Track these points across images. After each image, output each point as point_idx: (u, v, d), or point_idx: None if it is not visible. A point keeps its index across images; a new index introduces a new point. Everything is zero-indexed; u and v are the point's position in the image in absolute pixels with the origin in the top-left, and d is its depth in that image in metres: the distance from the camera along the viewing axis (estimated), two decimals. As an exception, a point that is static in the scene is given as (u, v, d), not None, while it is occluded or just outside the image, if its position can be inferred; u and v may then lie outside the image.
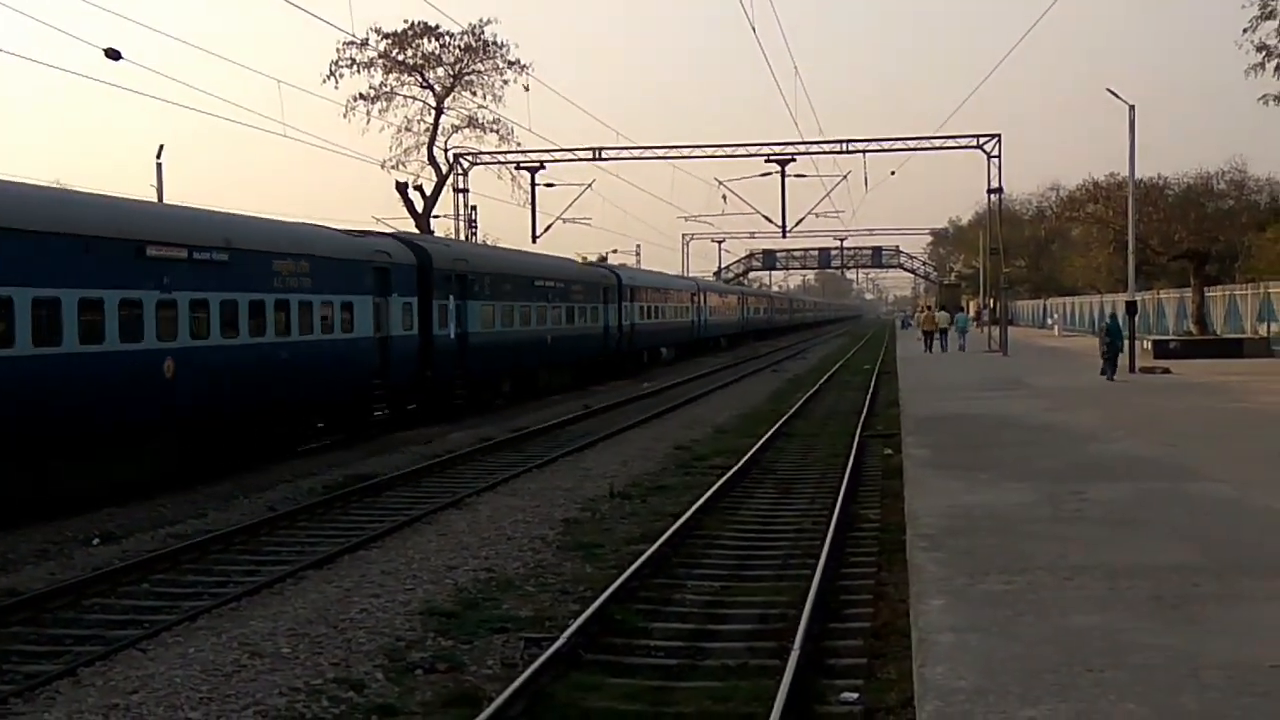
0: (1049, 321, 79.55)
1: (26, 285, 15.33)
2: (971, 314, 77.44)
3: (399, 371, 26.08)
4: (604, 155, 49.70)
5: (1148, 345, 40.70)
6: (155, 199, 34.94)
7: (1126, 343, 34.21)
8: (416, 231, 50.85)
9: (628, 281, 49.05)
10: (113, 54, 24.92)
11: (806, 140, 50.37)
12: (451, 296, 28.49)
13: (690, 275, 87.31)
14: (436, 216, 54.35)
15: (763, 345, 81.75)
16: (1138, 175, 37.24)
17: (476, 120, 55.75)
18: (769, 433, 24.48)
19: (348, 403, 24.50)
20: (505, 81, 55.02)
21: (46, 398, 15.77)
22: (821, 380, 41.85)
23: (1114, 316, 34.78)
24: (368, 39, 52.81)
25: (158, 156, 40.01)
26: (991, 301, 59.95)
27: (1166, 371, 32.55)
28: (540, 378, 36.35)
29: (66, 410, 16.20)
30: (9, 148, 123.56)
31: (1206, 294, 48.87)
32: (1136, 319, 36.25)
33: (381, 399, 25.69)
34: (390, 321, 25.66)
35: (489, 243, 56.25)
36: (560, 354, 37.98)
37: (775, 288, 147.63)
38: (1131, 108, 33.46)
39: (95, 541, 14.78)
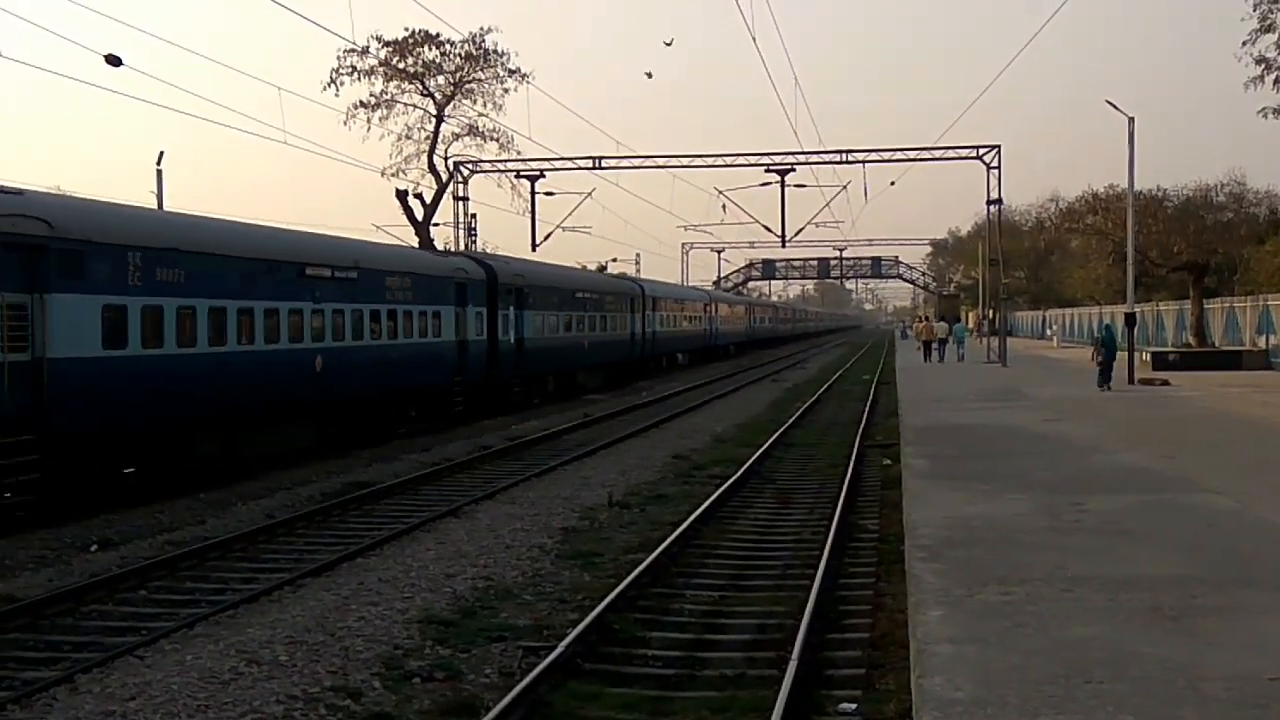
0: (1048, 333, 79.56)
1: (234, 299, 20.27)
2: (970, 325, 77.87)
3: (474, 370, 31.12)
4: (604, 164, 49.72)
5: (1146, 357, 40.71)
6: (155, 205, 34.96)
7: (1125, 354, 34.27)
8: (417, 240, 50.95)
9: (650, 293, 53.27)
10: (113, 60, 24.91)
11: (806, 150, 50.37)
12: (512, 307, 33.62)
13: (701, 287, 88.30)
14: (436, 224, 54.36)
15: (765, 354, 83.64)
16: (1137, 187, 37.29)
17: (477, 128, 55.77)
18: (768, 442, 24.47)
19: (435, 395, 29.30)
20: (506, 90, 55.09)
21: (243, 384, 20.51)
22: (821, 390, 41.87)
23: (1109, 327, 34.96)
24: (369, 47, 52.80)
25: (158, 163, 40.14)
26: (991, 312, 59.99)
27: (1165, 383, 32.56)
28: (579, 378, 41.83)
29: (253, 393, 20.97)
30: (8, 153, 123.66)
31: (1205, 306, 48.86)
32: (1135, 331, 36.26)
33: (459, 393, 30.22)
34: (467, 328, 30.53)
35: (489, 250, 56.30)
36: (594, 357, 43.19)
37: (775, 297, 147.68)
38: (1131, 120, 33.51)
39: (93, 548, 14.77)
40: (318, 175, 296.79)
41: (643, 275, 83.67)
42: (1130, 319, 35.67)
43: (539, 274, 38.20)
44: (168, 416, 18.78)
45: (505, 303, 33.13)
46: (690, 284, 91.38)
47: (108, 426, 17.39)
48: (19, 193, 16.58)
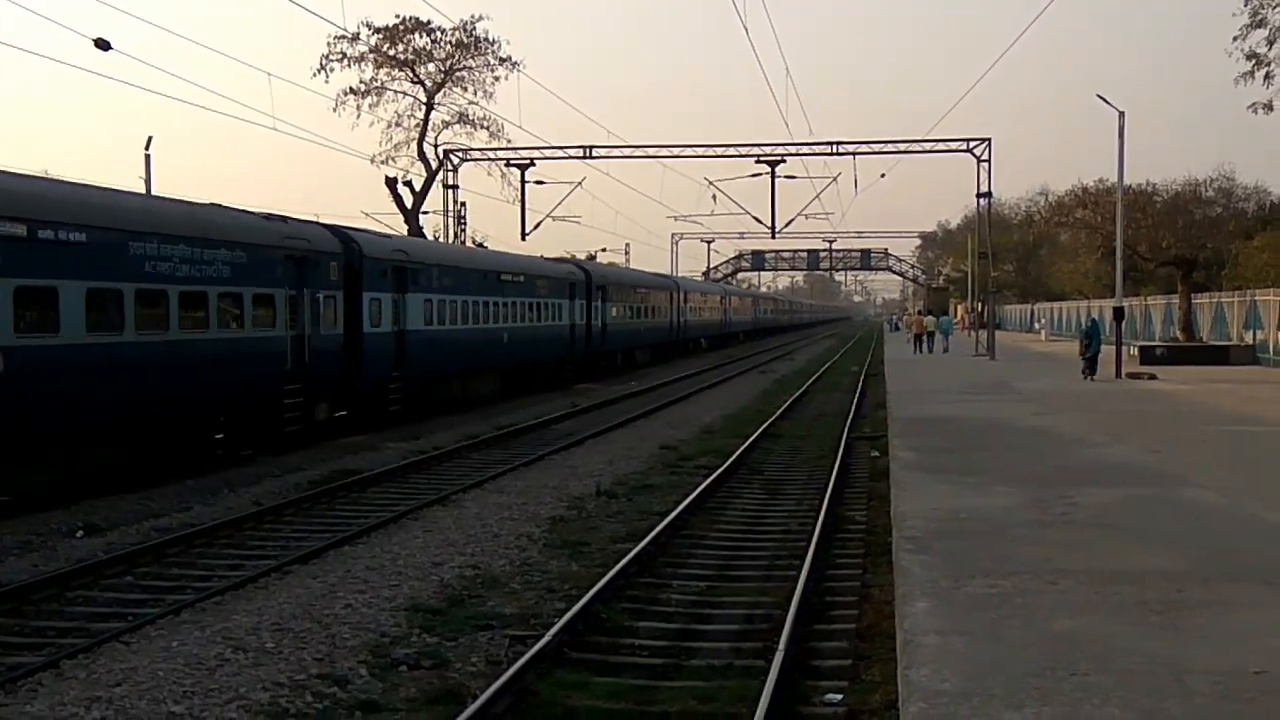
0: (1036, 326, 79.68)
1: (473, 295, 31.79)
2: (957, 317, 78.30)
3: (579, 346, 42.49)
4: (594, 153, 49.68)
5: (1134, 351, 40.82)
6: (144, 190, 34.84)
7: (1114, 349, 34.36)
8: (406, 228, 50.86)
9: (598, 279, 46.62)
10: (102, 44, 24.79)
11: (797, 141, 50.75)
12: (600, 300, 44.93)
13: (678, 275, 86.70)
14: (425, 212, 54.33)
15: (748, 348, 79.51)
16: (1127, 182, 37.35)
17: (467, 116, 55.70)
18: (756, 433, 24.49)
19: (559, 364, 40.38)
20: (496, 78, 54.99)
21: (473, 350, 31.82)
22: (809, 382, 41.91)
23: (1094, 321, 35.12)
24: (359, 33, 52.70)
25: (146, 148, 39.96)
26: (979, 305, 60.12)
27: (1153, 378, 32.64)
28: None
29: (476, 356, 32.24)
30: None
31: (1193, 301, 49.00)
32: (1123, 325, 36.35)
33: (571, 363, 41.62)
34: (575, 315, 41.79)
35: (480, 239, 56.28)
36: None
37: (764, 288, 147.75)
38: (1121, 114, 33.57)
39: (79, 534, 14.72)
40: (308, 161, 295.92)
41: (633, 265, 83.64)
42: (1118, 313, 35.77)
43: (612, 275, 51.35)
44: (442, 369, 30.04)
45: (595, 296, 44.57)
46: (681, 274, 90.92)
47: (427, 371, 28.83)
48: (389, 236, 31.43)
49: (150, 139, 40.25)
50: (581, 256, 67.27)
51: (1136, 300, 56.37)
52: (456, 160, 52.14)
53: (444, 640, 10.06)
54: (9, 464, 15.94)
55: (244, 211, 22.53)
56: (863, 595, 11.40)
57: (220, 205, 21.94)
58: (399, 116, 55.47)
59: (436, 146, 54.87)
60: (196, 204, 21.30)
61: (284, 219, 23.38)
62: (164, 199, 22.01)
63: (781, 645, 9.23)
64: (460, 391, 31.65)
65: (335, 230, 25.53)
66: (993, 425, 20.98)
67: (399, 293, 27.11)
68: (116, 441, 18.09)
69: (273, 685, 8.77)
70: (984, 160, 46.91)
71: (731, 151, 50.33)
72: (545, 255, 47.60)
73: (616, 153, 50.43)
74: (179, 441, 19.82)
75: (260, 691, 8.63)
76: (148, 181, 39.05)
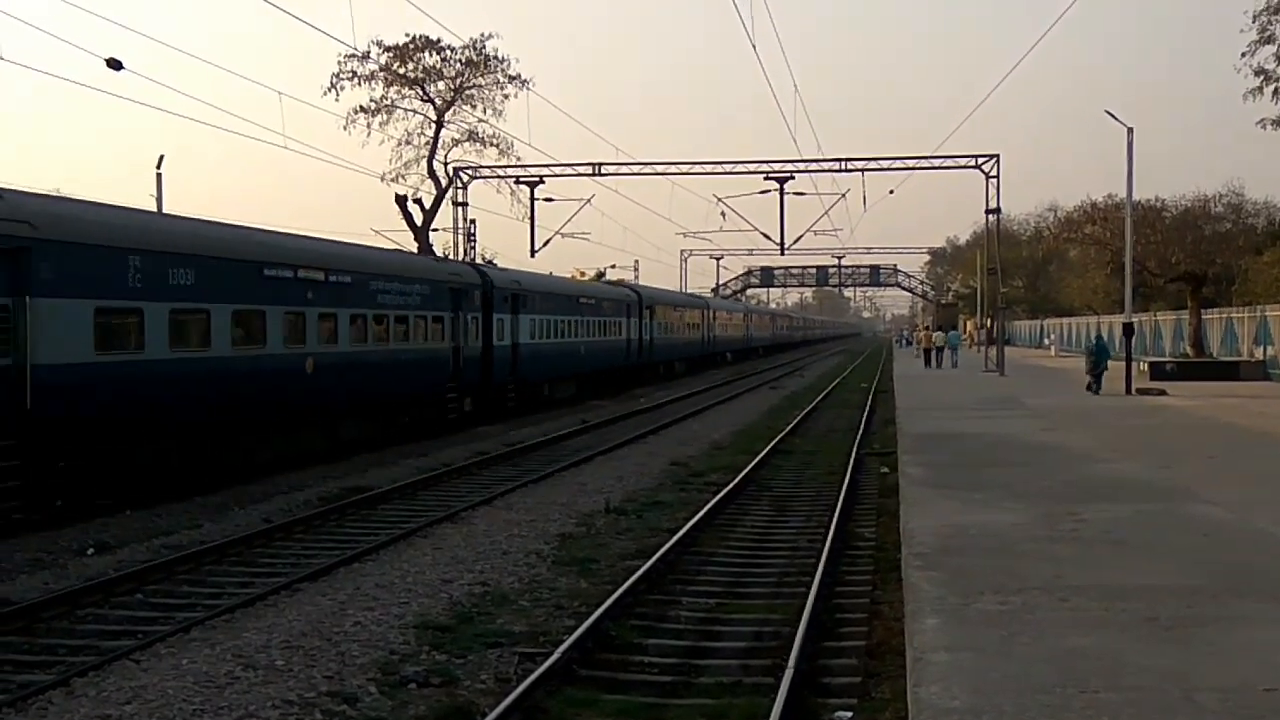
0: (1045, 342, 79.54)
1: (558, 315, 38.84)
2: (966, 332, 78.67)
3: (633, 357, 49.31)
4: (603, 170, 49.77)
5: (1144, 367, 40.73)
6: (155, 209, 34.97)
7: (1123, 364, 34.30)
8: (416, 246, 50.98)
9: (647, 299, 54.59)
10: (114, 64, 24.93)
11: (805, 158, 50.47)
12: (646, 318, 51.54)
13: (697, 293, 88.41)
14: (435, 230, 54.40)
15: (763, 362, 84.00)
16: (1136, 197, 37.33)
17: (477, 134, 55.78)
18: (766, 449, 24.49)
19: (619, 371, 47.29)
20: (506, 96, 55.13)
21: (560, 359, 39.04)
22: (819, 398, 41.90)
23: (1099, 338, 35.34)
24: (369, 52, 52.84)
25: (158, 166, 40.11)
26: (989, 321, 60.13)
27: (1162, 393, 32.57)
28: (677, 367, 62.20)
29: (564, 364, 39.76)
30: (9, 156, 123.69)
31: (1203, 316, 48.92)
32: (1133, 341, 36.29)
33: (631, 372, 48.66)
34: (632, 331, 49.09)
35: (489, 257, 56.42)
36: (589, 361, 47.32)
37: (773, 305, 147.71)
38: (1130, 130, 33.56)
39: (90, 551, 14.76)
40: (318, 180, 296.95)
41: (641, 281, 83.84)
42: (1128, 329, 35.70)
43: (657, 295, 58.52)
44: (541, 374, 36.92)
45: (645, 314, 51.73)
46: (689, 290, 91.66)
47: (531, 376, 35.87)
48: (499, 272, 36.95)
49: (162, 158, 40.42)
50: (590, 273, 67.37)
51: (1146, 316, 56.27)
52: (466, 178, 52.24)
53: (453, 657, 10.07)
54: (326, 429, 24.10)
55: (418, 254, 37.22)
56: (872, 612, 11.38)
57: (402, 250, 35.09)
58: (409, 134, 55.64)
59: (446, 164, 55.00)
60: (399, 251, 34.89)
61: (445, 259, 38.23)
62: (380, 250, 31.36)
63: (791, 662, 9.22)
64: (549, 393, 39.06)
65: (475, 266, 36.15)
66: (1002, 441, 20.95)
67: (514, 314, 34.71)
68: (357, 417, 25.47)
69: (282, 703, 8.78)
70: (993, 177, 46.89)
71: (740, 168, 50.34)
72: (553, 272, 48.77)
73: (625, 170, 50.53)
74: (387, 421, 26.72)
75: (270, 709, 8.64)
76: (159, 200, 39.20)
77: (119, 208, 19.64)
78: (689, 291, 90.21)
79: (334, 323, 23.77)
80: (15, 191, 16.64)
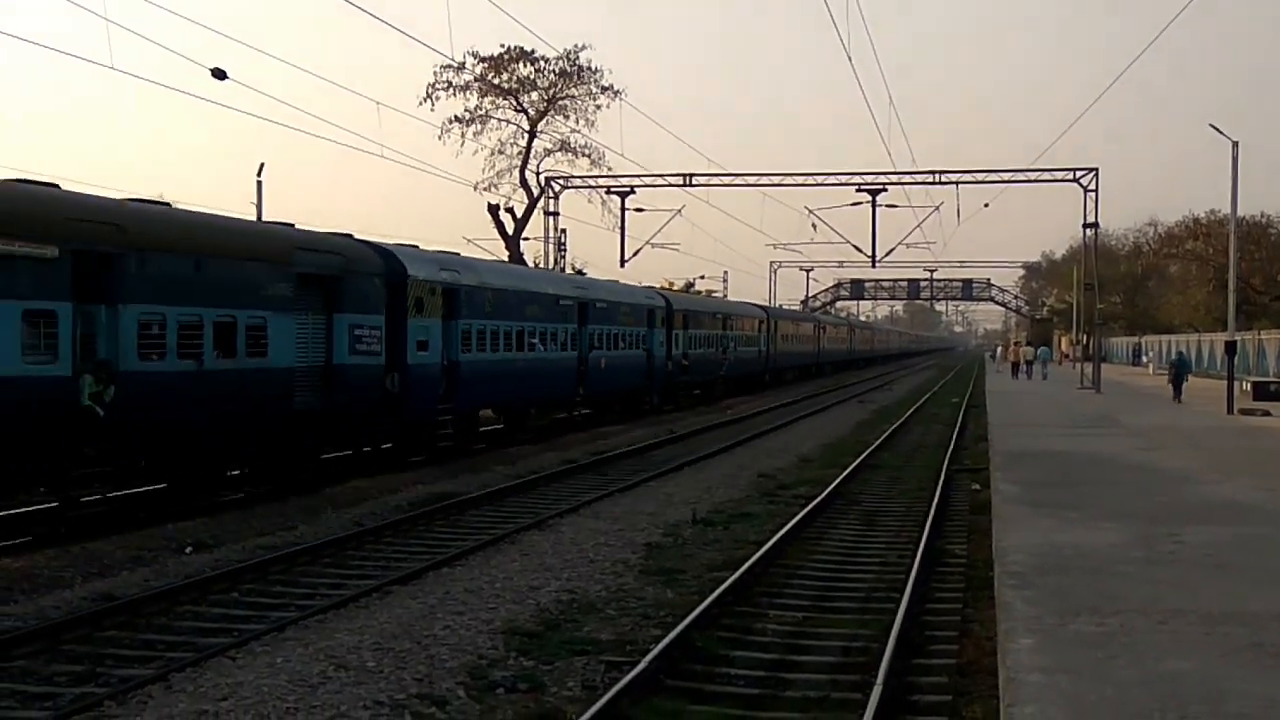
0: (1144, 359, 77.85)
1: (624, 326, 38.41)
2: (1061, 348, 78.09)
3: (660, 375, 42.96)
4: (694, 181, 49.84)
5: (1247, 387, 39.66)
6: (255, 216, 35.70)
7: (1225, 384, 33.47)
8: (507, 254, 51.47)
9: (678, 307, 45.45)
10: (219, 73, 25.54)
11: (899, 170, 50.10)
12: (655, 329, 42.34)
13: (770, 304, 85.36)
14: (526, 239, 54.95)
15: (843, 378, 76.83)
16: (1240, 213, 36.42)
17: (569, 144, 56.31)
18: (854, 463, 24.29)
19: (642, 389, 42.03)
20: (598, 106, 55.52)
21: (649, 373, 41.27)
22: (908, 413, 41.46)
23: (1180, 354, 35.26)
24: (464, 63, 53.55)
25: (258, 174, 40.86)
26: (1085, 337, 59.15)
27: (1266, 414, 31.68)
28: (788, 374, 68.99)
29: (638, 376, 40.55)
30: (117, 163, 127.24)
31: (1309, 335, 47.54)
32: (1235, 359, 35.38)
33: (651, 389, 43.57)
34: (655, 344, 42.19)
35: (580, 268, 56.73)
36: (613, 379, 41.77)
37: (863, 318, 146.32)
38: (1235, 144, 32.74)
39: (188, 549, 15.10)
40: (413, 188, 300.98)
41: (729, 294, 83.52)
42: (1230, 347, 34.79)
43: (688, 300, 54.28)
44: (704, 376, 46.63)
45: (663, 327, 43.79)
46: (779, 303, 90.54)
47: (690, 376, 44.66)
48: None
49: (262, 166, 41.14)
50: (679, 284, 67.47)
51: (1250, 334, 54.82)
52: (558, 187, 52.69)
53: (540, 664, 10.12)
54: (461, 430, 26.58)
55: (554, 273, 42.68)
56: (963, 630, 11.23)
57: (539, 268, 42.53)
58: (502, 144, 56.32)
59: (538, 174, 55.56)
60: (540, 271, 42.25)
61: (576, 274, 46.13)
62: (528, 270, 39.47)
63: (880, 678, 9.12)
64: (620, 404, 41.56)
65: (660, 292, 44.91)
66: (1097, 460, 20.53)
67: (685, 329, 43.89)
68: (503, 413, 30.60)
69: (373, 704, 8.89)
70: (1091, 190, 46.10)
71: (832, 180, 50.19)
72: (630, 282, 47.45)
73: (716, 180, 50.55)
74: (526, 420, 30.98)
75: (361, 710, 8.76)
76: (259, 207, 39.99)
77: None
78: (781, 305, 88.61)
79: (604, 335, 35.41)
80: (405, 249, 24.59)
